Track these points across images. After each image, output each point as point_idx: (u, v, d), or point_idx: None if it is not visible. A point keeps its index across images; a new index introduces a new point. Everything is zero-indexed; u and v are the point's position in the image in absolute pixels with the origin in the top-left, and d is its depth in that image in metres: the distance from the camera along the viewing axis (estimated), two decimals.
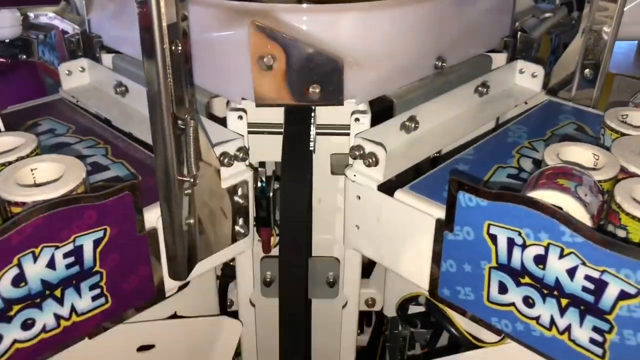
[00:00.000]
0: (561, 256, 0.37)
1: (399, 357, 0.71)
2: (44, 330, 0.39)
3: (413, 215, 0.45)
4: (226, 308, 0.63)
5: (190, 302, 0.56)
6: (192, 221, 0.44)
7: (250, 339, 0.60)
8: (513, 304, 0.41)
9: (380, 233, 0.48)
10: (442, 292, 0.45)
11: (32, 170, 0.41)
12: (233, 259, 0.59)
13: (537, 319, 0.40)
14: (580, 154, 0.43)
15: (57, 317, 0.39)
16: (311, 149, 0.50)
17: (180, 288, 0.53)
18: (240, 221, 0.49)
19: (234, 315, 0.59)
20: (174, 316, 0.55)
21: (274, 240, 0.58)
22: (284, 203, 0.49)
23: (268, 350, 0.62)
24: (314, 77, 0.46)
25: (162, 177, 0.41)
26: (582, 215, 0.36)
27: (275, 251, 0.57)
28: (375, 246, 0.50)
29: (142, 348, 0.52)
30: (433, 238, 0.44)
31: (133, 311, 0.44)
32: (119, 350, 0.51)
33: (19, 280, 0.36)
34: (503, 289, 0.41)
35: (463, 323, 0.53)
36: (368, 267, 0.65)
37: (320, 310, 0.59)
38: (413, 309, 0.61)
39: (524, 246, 0.38)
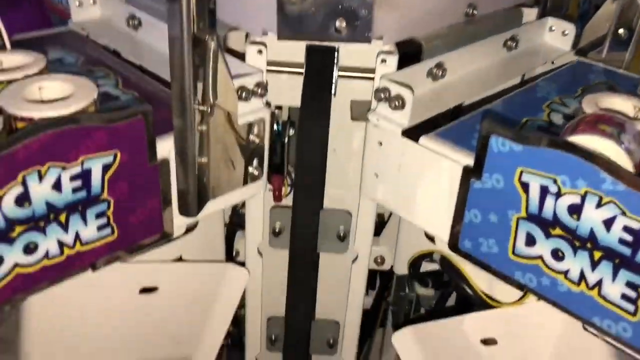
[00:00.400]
0: (599, 205, 0.35)
1: (402, 321, 0.70)
2: (46, 256, 0.37)
3: (438, 162, 0.43)
4: (232, 257, 0.61)
5: (196, 247, 0.54)
6: (205, 157, 0.42)
7: (256, 289, 0.59)
8: (540, 257, 0.39)
9: (401, 181, 0.46)
10: (464, 244, 0.43)
11: (39, 88, 0.38)
12: (243, 206, 0.57)
13: (565, 273, 0.38)
14: (620, 104, 0.41)
15: (61, 245, 0.37)
16: (332, 92, 0.48)
17: (188, 231, 0.51)
18: (255, 162, 0.47)
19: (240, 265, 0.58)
20: (179, 260, 0.53)
21: (286, 189, 0.56)
22: (301, 145, 0.46)
23: (272, 302, 0.60)
24: (341, 11, 0.43)
25: (177, 104, 0.38)
26: (624, 162, 0.34)
27: (286, 201, 0.55)
28: (394, 195, 0.47)
29: (145, 290, 0.51)
30: (458, 186, 0.42)
31: (139, 247, 0.42)
32: (122, 289, 0.49)
33: (23, 199, 0.34)
34: (530, 241, 0.39)
35: (479, 282, 0.52)
36: (379, 226, 0.63)
37: (329, 264, 0.57)
38: (425, 268, 0.60)
39: (558, 195, 0.36)
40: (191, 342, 0.56)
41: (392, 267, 0.64)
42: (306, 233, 0.49)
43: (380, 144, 0.46)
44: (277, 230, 0.57)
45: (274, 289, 0.60)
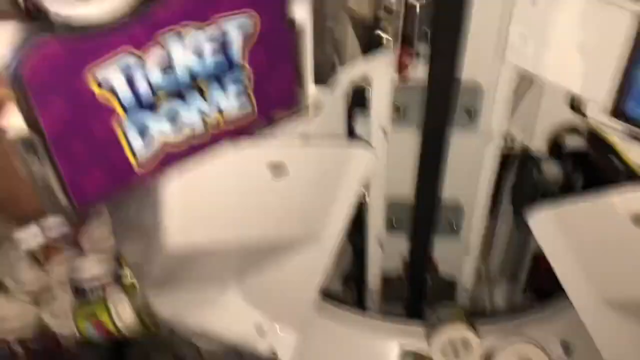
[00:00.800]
0: None
1: (528, 205, 0.66)
2: (188, 126, 0.36)
3: (603, 13, 0.37)
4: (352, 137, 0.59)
5: (320, 126, 0.52)
6: (335, 23, 0.39)
7: (379, 169, 0.56)
8: None
9: (553, 40, 0.41)
10: (629, 107, 0.38)
11: None
12: (367, 82, 0.54)
13: None
14: None
15: (202, 115, 0.36)
16: None
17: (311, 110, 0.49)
18: (389, 29, 0.43)
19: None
20: (305, 138, 0.52)
21: (410, 64, 0.52)
22: (439, 7, 0.42)
23: (394, 184, 0.58)
24: None
25: None
26: None
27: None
28: (542, 57, 0.42)
29: (273, 167, 0.50)
30: (630, 39, 0.36)
31: (274, 120, 0.41)
32: (251, 163, 0.48)
33: (166, 64, 0.33)
34: None
35: (634, 156, 0.47)
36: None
37: (458, 144, 0.53)
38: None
39: None
40: (318, 221, 0.56)
41: (522, 147, 0.60)
42: (440, 106, 0.46)
43: (534, 2, 0.41)
44: (400, 109, 0.54)
45: (397, 169, 0.58)
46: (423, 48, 0.48)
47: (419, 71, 0.51)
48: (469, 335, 0.59)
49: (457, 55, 0.43)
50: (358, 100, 0.60)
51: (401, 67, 0.50)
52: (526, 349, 0.62)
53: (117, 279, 0.68)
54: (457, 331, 0.59)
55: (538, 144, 0.55)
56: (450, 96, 0.45)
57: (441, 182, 0.52)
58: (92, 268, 0.68)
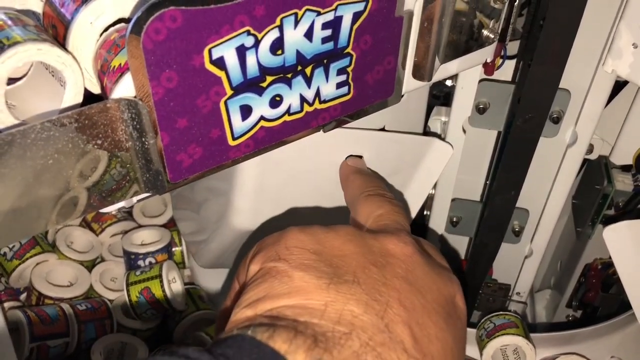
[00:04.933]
0: None
1: (592, 216, 0.65)
2: (288, 112, 0.35)
3: None
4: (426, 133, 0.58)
5: (399, 119, 0.51)
6: (443, 16, 0.37)
7: (452, 167, 0.55)
8: None
9: None
10: None
11: None
12: (450, 78, 0.53)
13: None
14: None
15: (302, 100, 0.35)
16: None
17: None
18: (491, 24, 0.42)
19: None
20: (382, 130, 0.50)
21: (498, 60, 0.50)
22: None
23: (463, 183, 0.57)
24: None
25: None
26: None
27: (496, 75, 0.50)
28: None
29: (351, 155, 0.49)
30: None
31: (367, 109, 0.40)
32: (330, 154, 0.47)
33: (277, 46, 0.32)
34: None
35: None
36: None
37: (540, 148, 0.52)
38: None
39: None
40: None
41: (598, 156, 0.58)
42: (535, 108, 0.44)
43: None
44: (481, 107, 0.52)
45: (469, 169, 0.56)
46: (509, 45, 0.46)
47: (508, 69, 0.50)
48: (524, 344, 0.58)
49: (565, 60, 0.41)
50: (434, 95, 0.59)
51: (487, 64, 0.49)
52: None
53: (170, 253, 0.68)
54: (512, 339, 0.58)
55: (619, 155, 0.53)
56: (549, 102, 0.43)
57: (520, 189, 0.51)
58: (146, 240, 0.68)
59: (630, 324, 0.61)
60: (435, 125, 0.55)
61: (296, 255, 0.32)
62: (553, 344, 0.60)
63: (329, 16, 0.33)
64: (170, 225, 0.71)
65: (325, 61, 0.34)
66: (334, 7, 0.32)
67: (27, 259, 0.63)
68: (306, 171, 0.48)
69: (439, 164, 0.52)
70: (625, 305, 0.58)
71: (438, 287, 0.33)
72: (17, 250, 0.63)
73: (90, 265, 0.67)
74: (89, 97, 0.32)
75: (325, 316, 0.28)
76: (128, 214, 0.72)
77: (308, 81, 0.35)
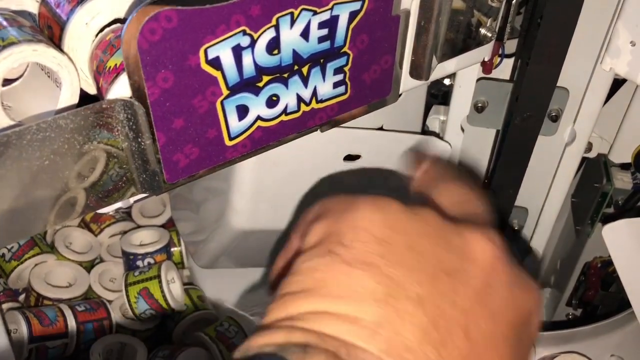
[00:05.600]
0: None
1: (591, 214, 0.65)
2: (285, 111, 0.35)
3: None
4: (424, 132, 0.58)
5: (397, 118, 0.51)
6: (440, 15, 0.37)
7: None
8: None
9: None
10: None
11: None
12: (449, 77, 0.52)
13: None
14: None
15: (299, 100, 0.35)
16: None
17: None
18: (489, 22, 0.42)
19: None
20: (380, 130, 0.50)
21: (497, 59, 0.50)
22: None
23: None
24: None
25: None
26: None
27: (494, 73, 0.50)
28: None
29: (348, 158, 0.49)
30: None
31: (365, 108, 0.39)
32: (327, 154, 0.47)
33: (274, 46, 0.32)
34: None
35: None
36: None
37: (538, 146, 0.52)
38: None
39: None
40: None
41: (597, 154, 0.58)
42: (533, 106, 0.44)
43: None
44: (480, 106, 0.52)
45: (468, 168, 0.56)
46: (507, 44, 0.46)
47: (506, 68, 0.50)
48: None
49: (563, 59, 0.41)
50: (432, 95, 0.59)
51: (485, 63, 0.49)
52: None
53: (169, 253, 0.68)
54: None
55: (618, 153, 0.53)
56: (547, 100, 0.43)
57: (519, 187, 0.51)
58: (145, 240, 0.68)
59: (630, 322, 0.61)
60: (433, 124, 0.55)
61: (361, 243, 0.27)
62: (552, 342, 0.60)
63: (325, 15, 0.32)
64: (169, 225, 0.71)
65: (322, 61, 0.34)
66: (330, 6, 0.32)
67: (25, 259, 0.63)
68: (304, 171, 0.48)
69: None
70: (625, 304, 0.58)
71: (515, 305, 0.28)
72: (15, 251, 0.63)
73: (89, 266, 0.67)
74: (85, 98, 0.32)
75: (374, 341, 0.24)
76: (127, 214, 0.72)
77: (305, 81, 0.34)
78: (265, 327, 0.26)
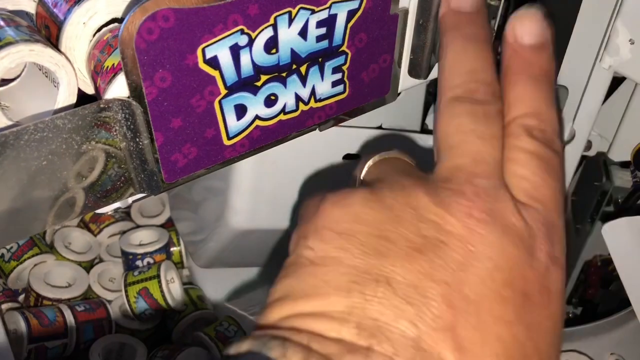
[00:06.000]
0: None
1: (590, 213, 0.65)
2: (283, 111, 0.35)
3: None
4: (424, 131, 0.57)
5: (396, 116, 0.51)
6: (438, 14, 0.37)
7: None
8: None
9: None
10: None
11: None
12: None
13: None
14: None
15: (297, 99, 0.35)
16: None
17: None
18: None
19: None
20: (379, 128, 0.50)
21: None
22: None
23: None
24: None
25: None
26: None
27: None
28: None
29: (348, 157, 0.49)
30: None
31: (363, 107, 0.39)
32: (327, 154, 0.47)
33: (272, 45, 0.32)
34: None
35: None
36: None
37: None
38: None
39: None
40: None
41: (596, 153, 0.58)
42: None
43: None
44: None
45: None
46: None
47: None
48: None
49: (562, 57, 0.41)
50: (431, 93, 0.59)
51: None
52: None
53: (169, 253, 0.68)
54: None
55: (618, 152, 0.53)
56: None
57: None
58: (144, 240, 0.68)
59: (630, 320, 0.61)
60: (432, 123, 0.55)
61: (324, 242, 0.27)
62: None
63: (323, 14, 0.32)
64: (169, 225, 0.71)
65: (320, 60, 0.34)
66: (328, 5, 0.32)
67: (25, 260, 0.63)
68: (303, 170, 0.48)
69: None
70: (625, 302, 0.58)
71: (508, 259, 0.26)
72: (14, 252, 0.63)
73: (88, 266, 0.67)
74: (83, 98, 0.32)
75: (344, 329, 0.24)
76: (126, 214, 0.72)
77: (303, 80, 0.34)
78: (240, 341, 0.27)
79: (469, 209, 0.26)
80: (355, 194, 0.29)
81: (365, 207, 0.28)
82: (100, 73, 0.30)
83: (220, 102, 0.32)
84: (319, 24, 0.33)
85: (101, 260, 0.69)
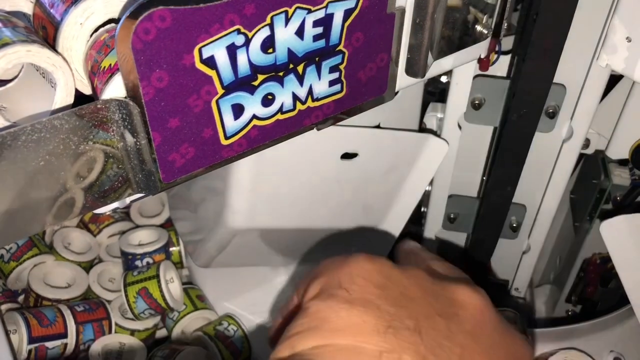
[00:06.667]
0: None
1: (589, 210, 0.65)
2: (280, 110, 0.35)
3: None
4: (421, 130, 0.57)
5: (394, 116, 0.51)
6: (436, 12, 0.37)
7: (448, 164, 0.55)
8: None
9: None
10: None
11: None
12: (445, 74, 0.52)
13: None
14: None
15: (295, 98, 0.35)
16: None
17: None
18: (485, 19, 0.41)
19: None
20: (377, 127, 0.50)
21: (493, 56, 0.50)
22: None
23: (459, 179, 0.57)
24: None
25: None
26: None
27: (491, 70, 0.50)
28: None
29: (346, 156, 0.49)
30: None
31: (361, 107, 0.39)
32: (325, 153, 0.47)
33: (268, 44, 0.32)
34: None
35: None
36: None
37: (533, 143, 0.52)
38: None
39: None
40: (380, 212, 0.55)
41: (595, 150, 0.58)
42: (530, 103, 0.44)
43: None
44: (477, 103, 0.52)
45: (466, 166, 0.56)
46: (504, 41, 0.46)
47: (503, 65, 0.50)
48: None
49: (559, 55, 0.41)
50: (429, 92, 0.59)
51: (481, 60, 0.49)
52: (577, 358, 0.60)
53: (168, 253, 0.68)
54: None
55: (616, 150, 0.53)
56: (543, 96, 0.43)
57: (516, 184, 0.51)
58: (144, 240, 0.68)
59: (629, 318, 0.61)
60: (430, 121, 0.55)
61: (359, 286, 0.29)
62: (552, 339, 0.60)
63: (320, 14, 0.32)
64: (168, 225, 0.71)
65: (317, 59, 0.34)
66: (324, 4, 0.32)
67: (24, 260, 0.63)
68: (302, 170, 0.48)
69: (434, 161, 0.52)
70: (624, 300, 0.58)
71: (508, 351, 0.30)
72: (14, 252, 0.63)
73: (87, 266, 0.67)
74: (80, 98, 0.32)
75: None
76: (125, 214, 0.72)
77: (300, 79, 0.34)
78: None
79: (479, 296, 0.32)
80: (385, 258, 0.33)
81: (396, 270, 0.32)
82: (97, 73, 0.30)
83: (217, 101, 0.32)
84: (316, 23, 0.33)
85: (101, 261, 0.69)
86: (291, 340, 0.28)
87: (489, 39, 0.43)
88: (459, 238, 0.63)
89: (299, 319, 0.29)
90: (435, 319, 0.29)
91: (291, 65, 0.33)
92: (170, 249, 0.69)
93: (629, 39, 0.41)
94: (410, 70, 0.39)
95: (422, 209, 0.62)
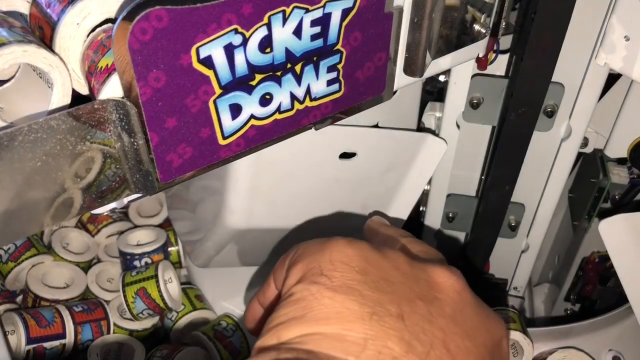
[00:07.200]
0: None
1: (588, 209, 0.65)
2: (278, 110, 0.35)
3: None
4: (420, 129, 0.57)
5: (392, 115, 0.51)
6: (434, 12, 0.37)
7: (446, 163, 0.55)
8: None
9: None
10: None
11: None
12: (444, 73, 0.52)
13: None
14: None
15: (293, 98, 0.35)
16: None
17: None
18: (483, 18, 0.41)
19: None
20: (376, 127, 0.50)
21: (491, 55, 0.50)
22: None
23: (458, 178, 0.57)
24: None
25: None
26: None
27: (489, 69, 0.50)
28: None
29: (344, 155, 0.48)
30: None
31: (359, 106, 0.39)
32: (323, 152, 0.47)
33: (266, 44, 0.32)
34: None
35: None
36: None
37: (532, 141, 0.52)
38: None
39: None
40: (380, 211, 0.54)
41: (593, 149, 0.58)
42: (528, 102, 0.44)
43: None
44: (475, 102, 0.52)
45: (464, 165, 0.56)
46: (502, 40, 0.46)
47: (501, 64, 0.50)
48: (521, 338, 0.58)
49: (557, 54, 0.41)
50: (428, 91, 0.59)
51: (480, 59, 0.49)
52: (576, 357, 0.61)
53: (166, 253, 0.68)
54: (511, 334, 0.58)
55: (614, 148, 0.53)
56: (542, 95, 0.43)
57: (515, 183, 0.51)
58: (142, 240, 0.68)
59: (627, 316, 0.61)
60: (429, 121, 0.55)
61: (340, 273, 0.29)
62: (551, 338, 0.60)
63: (318, 13, 0.32)
64: (166, 225, 0.71)
65: (315, 58, 0.34)
66: (322, 4, 0.32)
67: (22, 261, 0.63)
68: (300, 169, 0.47)
69: (433, 160, 0.52)
70: (623, 298, 0.58)
71: (486, 329, 0.31)
72: (12, 253, 0.63)
73: (86, 267, 0.67)
74: (78, 98, 0.32)
75: (364, 354, 0.26)
76: (124, 214, 0.72)
77: (298, 79, 0.34)
78: (254, 354, 0.28)
79: (457, 279, 0.32)
80: (365, 242, 0.32)
81: (376, 253, 0.31)
82: (94, 73, 0.30)
83: (215, 101, 0.32)
84: (314, 23, 0.33)
85: (99, 261, 0.69)
86: (277, 329, 0.28)
87: (487, 38, 0.43)
88: (458, 237, 0.63)
89: (283, 308, 0.29)
90: (417, 303, 0.29)
91: (289, 65, 0.33)
92: (169, 249, 0.69)
93: (627, 38, 0.41)
94: (409, 70, 0.39)
95: (421, 208, 0.62)
